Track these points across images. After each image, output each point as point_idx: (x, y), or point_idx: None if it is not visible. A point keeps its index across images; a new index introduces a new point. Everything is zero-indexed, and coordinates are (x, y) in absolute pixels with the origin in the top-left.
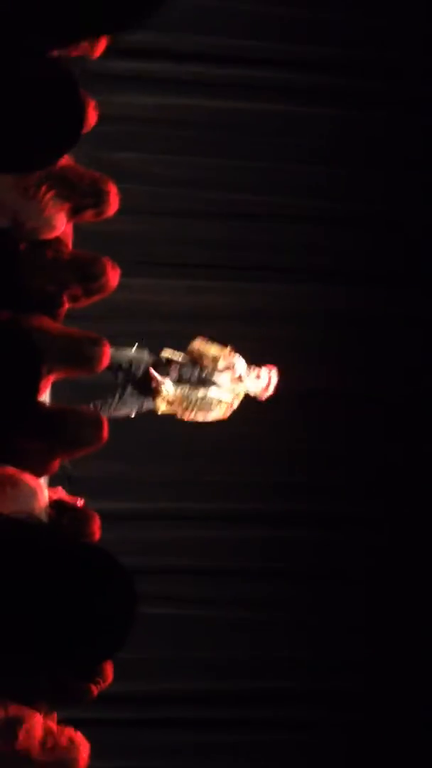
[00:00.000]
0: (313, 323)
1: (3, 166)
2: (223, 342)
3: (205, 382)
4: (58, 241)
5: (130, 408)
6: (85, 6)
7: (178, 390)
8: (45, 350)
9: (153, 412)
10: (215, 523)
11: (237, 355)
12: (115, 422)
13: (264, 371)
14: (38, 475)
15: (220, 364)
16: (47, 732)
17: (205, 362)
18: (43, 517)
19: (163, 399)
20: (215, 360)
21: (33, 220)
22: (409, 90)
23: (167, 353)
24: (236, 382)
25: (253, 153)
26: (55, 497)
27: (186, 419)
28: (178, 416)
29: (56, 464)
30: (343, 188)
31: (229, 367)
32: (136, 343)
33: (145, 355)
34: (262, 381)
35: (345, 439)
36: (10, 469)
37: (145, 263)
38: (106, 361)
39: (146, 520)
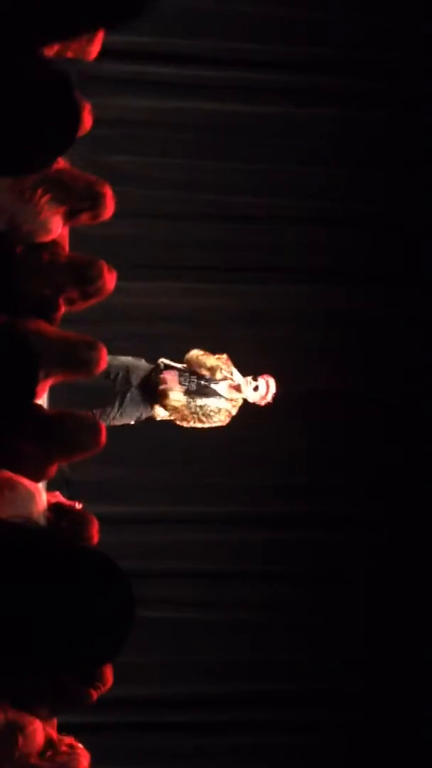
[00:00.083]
0: (313, 324)
1: None
2: (220, 349)
3: (204, 391)
4: (54, 244)
5: (129, 417)
6: (80, 4)
7: (184, 397)
8: (42, 354)
9: (152, 419)
10: (215, 525)
11: (233, 367)
12: (113, 427)
13: (261, 381)
14: (36, 479)
15: (218, 375)
16: (48, 739)
17: (203, 372)
18: (42, 521)
19: (168, 405)
20: (213, 370)
21: (29, 223)
22: (409, 90)
23: (165, 361)
24: (234, 391)
25: (252, 155)
26: (53, 501)
27: (185, 426)
28: (178, 423)
29: (54, 468)
30: (343, 189)
31: (227, 377)
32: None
33: (143, 364)
34: (260, 391)
35: (345, 440)
36: (8, 473)
37: (142, 266)
38: (103, 365)
39: (145, 523)
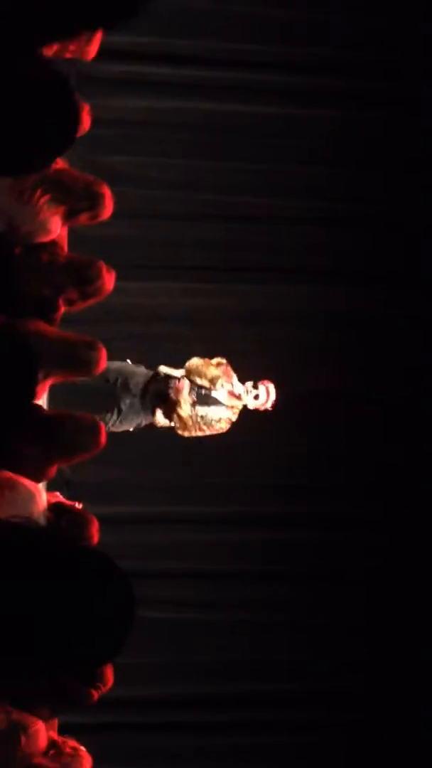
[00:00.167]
0: (313, 324)
1: None
2: (219, 349)
3: (205, 400)
4: (53, 244)
5: (129, 424)
6: (78, 4)
7: (190, 408)
8: (41, 354)
9: (152, 425)
10: (215, 525)
11: (233, 374)
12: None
13: (261, 388)
14: (36, 480)
15: (218, 384)
16: (51, 741)
17: (203, 381)
18: (42, 521)
19: (175, 414)
20: (213, 380)
21: (28, 224)
22: (409, 90)
23: (164, 370)
24: (235, 399)
25: (252, 155)
26: (53, 501)
27: (185, 436)
28: (179, 432)
29: (54, 469)
30: (343, 189)
31: (228, 385)
32: (128, 360)
33: (142, 370)
34: (261, 398)
35: (345, 440)
36: (8, 473)
37: (141, 266)
38: (103, 365)
39: (145, 523)
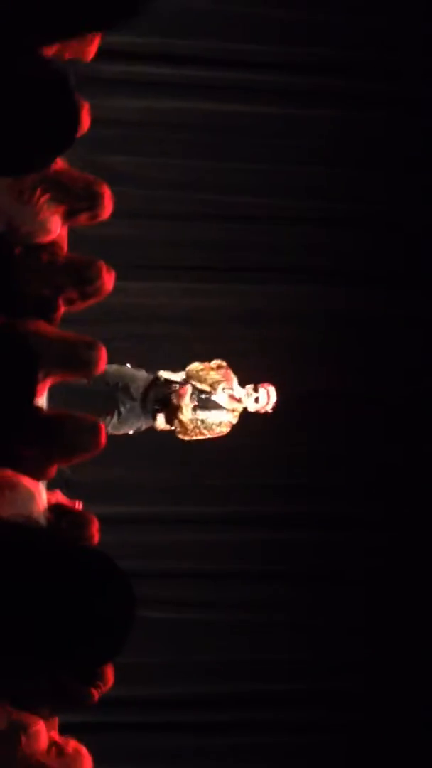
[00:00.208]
0: (313, 324)
1: None
2: (219, 349)
3: (206, 404)
4: (53, 244)
5: (129, 427)
6: (78, 4)
7: (192, 412)
8: (41, 354)
9: (152, 428)
10: (215, 525)
11: (233, 377)
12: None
13: (262, 391)
14: (36, 480)
15: (219, 388)
16: (52, 741)
17: (204, 386)
18: (42, 521)
19: (177, 419)
20: (214, 385)
21: (28, 224)
22: (409, 90)
23: (165, 374)
24: (235, 402)
25: (252, 155)
26: (53, 500)
27: (186, 440)
28: (179, 436)
29: (54, 470)
30: (343, 189)
31: (228, 390)
32: (129, 364)
33: (142, 374)
34: (261, 401)
35: (345, 440)
36: (8, 472)
37: (140, 266)
38: (103, 365)
39: (146, 523)
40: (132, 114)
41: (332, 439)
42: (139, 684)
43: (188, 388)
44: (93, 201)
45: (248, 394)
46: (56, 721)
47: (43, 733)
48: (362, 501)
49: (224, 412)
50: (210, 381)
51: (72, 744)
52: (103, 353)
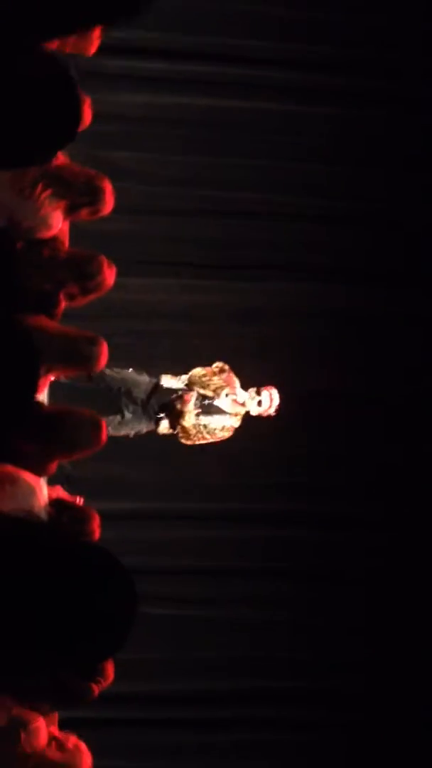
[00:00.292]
0: (313, 322)
1: (0, 162)
2: (219, 347)
3: (208, 409)
4: (54, 239)
5: (130, 429)
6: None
7: (195, 418)
8: (43, 349)
9: (152, 432)
10: (216, 522)
11: (236, 380)
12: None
13: (265, 394)
14: (37, 475)
15: (223, 394)
16: (51, 737)
17: (207, 392)
18: (43, 516)
19: (180, 424)
20: (217, 390)
21: (29, 219)
22: (409, 89)
23: (167, 379)
24: (238, 406)
25: (252, 151)
26: (54, 496)
27: (188, 444)
28: (181, 441)
29: (54, 465)
30: (343, 187)
31: (232, 395)
32: (131, 368)
33: (144, 378)
34: (264, 404)
35: (345, 440)
36: (9, 467)
37: (141, 262)
38: (104, 360)
39: (146, 519)
40: (133, 109)
41: (332, 438)
42: (139, 680)
43: (193, 395)
44: (94, 196)
45: (251, 398)
46: (56, 716)
47: (43, 729)
48: (362, 501)
49: (227, 416)
50: (213, 387)
51: (72, 740)
52: (105, 348)
